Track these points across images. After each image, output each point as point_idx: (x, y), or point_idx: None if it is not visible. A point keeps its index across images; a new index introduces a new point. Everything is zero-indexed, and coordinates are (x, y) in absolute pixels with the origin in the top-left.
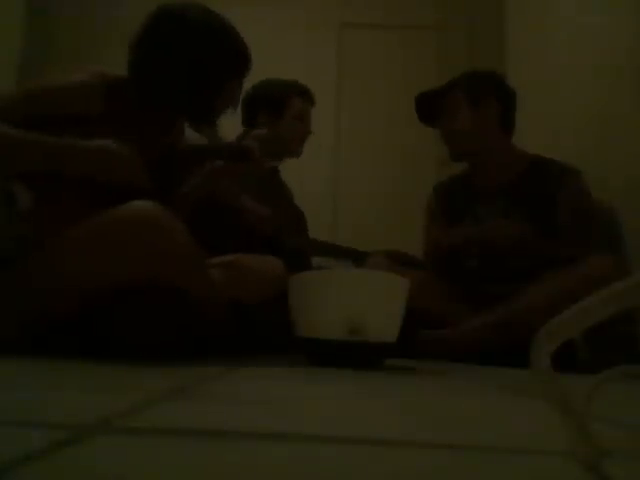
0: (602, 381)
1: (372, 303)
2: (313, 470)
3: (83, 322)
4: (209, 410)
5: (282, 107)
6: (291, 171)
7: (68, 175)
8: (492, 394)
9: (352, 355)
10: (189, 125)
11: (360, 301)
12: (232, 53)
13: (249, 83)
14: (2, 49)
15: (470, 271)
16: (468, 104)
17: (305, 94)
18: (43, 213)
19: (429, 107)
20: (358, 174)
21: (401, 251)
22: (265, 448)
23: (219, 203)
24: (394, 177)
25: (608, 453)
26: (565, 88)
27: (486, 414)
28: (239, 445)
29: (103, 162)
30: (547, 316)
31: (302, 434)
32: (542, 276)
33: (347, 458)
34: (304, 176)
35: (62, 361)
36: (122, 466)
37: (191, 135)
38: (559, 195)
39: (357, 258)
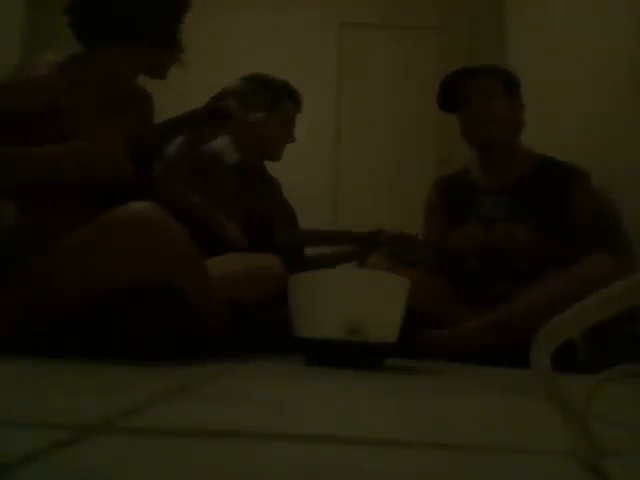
0: (602, 381)
1: (372, 303)
2: (313, 470)
3: (83, 322)
4: (209, 410)
5: (272, 107)
6: (292, 170)
7: (51, 181)
8: (492, 394)
9: (352, 355)
10: (149, 72)
11: (360, 301)
12: None
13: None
14: (2, 34)
15: (471, 271)
16: (504, 93)
17: (297, 99)
18: (30, 223)
19: (459, 89)
20: (358, 173)
21: (402, 232)
22: (265, 448)
23: (194, 217)
24: (394, 176)
25: (608, 453)
26: (565, 88)
27: (486, 414)
28: (239, 445)
29: (84, 162)
30: (547, 316)
31: (302, 434)
32: (543, 276)
33: (347, 458)
34: (305, 175)
35: (62, 361)
36: (122, 466)
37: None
38: (567, 197)
39: (357, 240)
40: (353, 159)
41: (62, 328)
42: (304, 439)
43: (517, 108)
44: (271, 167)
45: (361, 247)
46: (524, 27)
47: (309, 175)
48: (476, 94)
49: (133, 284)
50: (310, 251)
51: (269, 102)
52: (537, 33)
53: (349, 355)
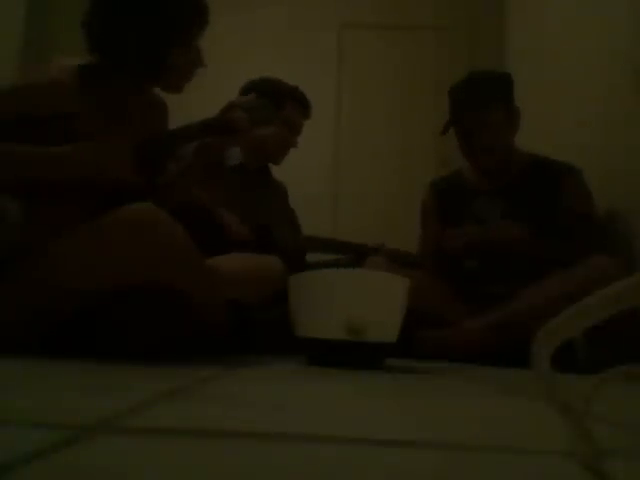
0: (602, 381)
1: (372, 303)
2: (313, 470)
3: (83, 322)
4: (209, 410)
5: (276, 108)
6: (291, 171)
7: (56, 182)
8: (492, 394)
9: (352, 355)
10: (162, 87)
11: (360, 301)
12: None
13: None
14: (2, 34)
15: (470, 271)
16: (507, 116)
17: (304, 103)
18: (35, 222)
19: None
20: (358, 174)
21: (400, 250)
22: (265, 448)
23: (198, 213)
24: (394, 177)
25: (608, 453)
26: (565, 88)
27: (486, 414)
28: (239, 445)
29: (91, 164)
30: (547, 317)
31: (302, 434)
32: (542, 277)
33: (347, 458)
34: (304, 176)
35: (62, 361)
36: (122, 466)
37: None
38: (560, 195)
39: (357, 251)
40: (353, 159)
41: (62, 328)
42: (304, 439)
43: (518, 120)
44: (271, 167)
45: (359, 259)
46: (524, 27)
47: (309, 175)
48: (482, 126)
49: (133, 284)
50: (309, 257)
51: (277, 113)
52: (537, 33)
53: (349, 355)
